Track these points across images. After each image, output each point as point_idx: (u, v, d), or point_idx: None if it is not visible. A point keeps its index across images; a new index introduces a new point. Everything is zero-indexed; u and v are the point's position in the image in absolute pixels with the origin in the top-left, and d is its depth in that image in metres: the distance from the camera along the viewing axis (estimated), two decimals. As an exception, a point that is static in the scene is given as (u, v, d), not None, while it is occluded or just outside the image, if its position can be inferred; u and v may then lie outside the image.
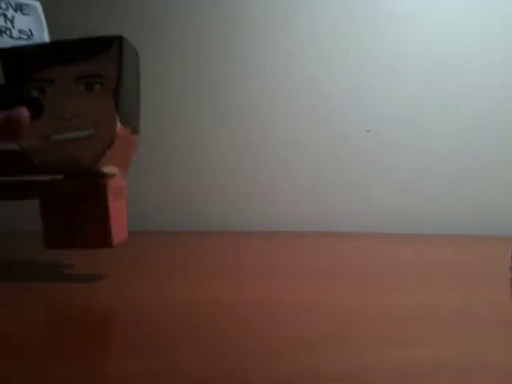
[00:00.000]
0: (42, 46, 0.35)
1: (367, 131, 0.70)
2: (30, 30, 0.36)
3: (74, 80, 0.34)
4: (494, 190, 0.70)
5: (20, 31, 0.36)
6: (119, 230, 0.36)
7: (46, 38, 0.37)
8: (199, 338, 0.26)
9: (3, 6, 0.36)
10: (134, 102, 0.37)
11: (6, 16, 0.35)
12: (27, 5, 0.37)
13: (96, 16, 0.71)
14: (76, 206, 0.35)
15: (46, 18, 0.37)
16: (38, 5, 0.38)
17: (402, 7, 0.71)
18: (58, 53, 0.34)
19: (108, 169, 0.36)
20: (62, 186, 0.35)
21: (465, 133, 0.70)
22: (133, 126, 0.37)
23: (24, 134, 0.33)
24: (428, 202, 0.70)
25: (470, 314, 0.30)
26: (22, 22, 0.36)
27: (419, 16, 0.70)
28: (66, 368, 0.21)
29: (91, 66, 0.34)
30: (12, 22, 0.36)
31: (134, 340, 0.25)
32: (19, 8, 0.36)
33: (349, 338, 0.26)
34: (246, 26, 0.71)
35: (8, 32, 0.35)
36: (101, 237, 0.35)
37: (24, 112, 0.33)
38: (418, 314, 0.30)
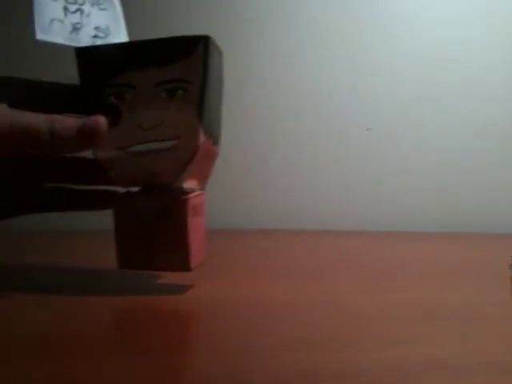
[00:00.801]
0: (121, 47, 0.32)
1: (368, 129, 0.70)
2: (107, 27, 0.33)
3: (154, 85, 0.31)
4: (493, 188, 0.70)
5: (96, 28, 0.33)
6: (197, 251, 0.33)
7: (124, 36, 0.34)
8: (202, 339, 0.25)
9: (80, 0, 0.33)
10: (217, 109, 0.34)
11: (82, 11, 0.32)
12: None
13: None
14: (152, 224, 0.32)
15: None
16: None
17: (403, 7, 0.70)
18: (138, 55, 0.31)
19: (187, 183, 0.33)
20: (138, 200, 0.33)
21: (465, 132, 0.70)
22: (214, 136, 0.34)
23: (100, 144, 0.30)
24: (427, 200, 0.70)
25: (470, 312, 0.30)
26: (98, 17, 0.33)
27: (420, 16, 0.70)
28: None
29: (174, 70, 0.31)
30: (88, 17, 0.33)
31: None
32: (96, 2, 0.33)
33: (348, 337, 0.26)
34: (245, 26, 0.71)
35: (84, 29, 0.32)
36: (178, 259, 0.32)
37: (102, 120, 0.30)
38: (417, 313, 0.30)
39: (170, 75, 0.31)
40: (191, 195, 0.33)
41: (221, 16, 0.70)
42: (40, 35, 0.31)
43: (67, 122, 0.29)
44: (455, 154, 0.70)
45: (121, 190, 0.34)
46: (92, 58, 0.32)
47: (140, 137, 0.32)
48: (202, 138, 0.31)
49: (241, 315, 0.29)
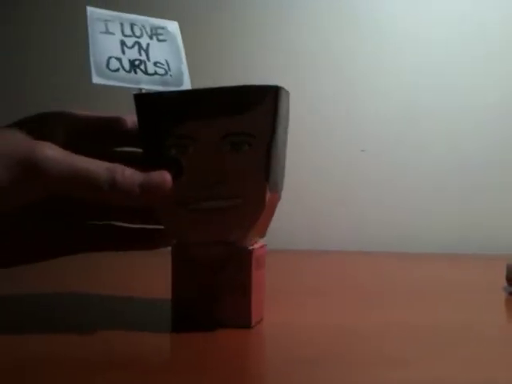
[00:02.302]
0: (185, 95, 0.29)
1: (362, 151, 0.69)
2: (167, 62, 0.29)
3: (219, 138, 0.28)
4: (487, 209, 0.69)
5: (155, 64, 0.29)
6: (258, 306, 0.31)
7: (185, 72, 0.31)
8: None
9: (137, 32, 0.29)
10: (283, 158, 0.31)
11: (140, 45, 0.29)
12: (164, 28, 0.30)
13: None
14: (213, 275, 0.30)
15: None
16: (176, 27, 0.31)
17: (398, 26, 0.68)
18: (203, 104, 0.28)
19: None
20: (199, 250, 0.30)
21: (461, 152, 0.69)
22: (279, 187, 0.31)
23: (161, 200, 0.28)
24: (421, 219, 0.69)
25: (466, 333, 0.30)
26: (157, 51, 0.29)
27: (415, 35, 0.68)
28: None
29: (240, 123, 0.28)
30: (147, 52, 0.29)
31: None
32: (155, 33, 0.29)
33: (343, 357, 0.25)
34: (244, 28, 0.68)
35: (143, 66, 0.28)
36: (239, 314, 0.30)
37: (167, 177, 0.27)
38: (413, 334, 0.30)
39: (236, 127, 0.28)
40: (255, 246, 0.31)
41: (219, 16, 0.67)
42: (96, 79, 0.27)
43: (129, 175, 0.27)
44: (450, 173, 0.69)
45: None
46: (153, 105, 0.29)
47: (202, 193, 0.29)
48: (268, 196, 0.29)
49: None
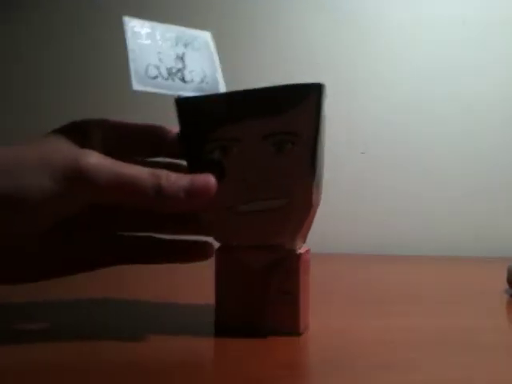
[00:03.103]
0: (225, 97, 0.29)
1: (362, 153, 0.69)
2: (203, 70, 0.30)
3: (261, 138, 0.28)
4: (487, 212, 0.69)
5: (191, 72, 0.29)
6: (305, 312, 0.30)
7: (220, 78, 0.31)
8: None
9: (173, 41, 0.29)
10: (323, 159, 0.30)
11: (176, 54, 0.29)
12: (197, 37, 0.30)
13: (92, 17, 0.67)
14: (259, 281, 0.29)
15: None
16: (209, 36, 0.31)
17: (399, 27, 0.69)
18: (244, 105, 0.28)
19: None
20: (246, 255, 0.29)
21: (461, 154, 0.69)
22: (321, 188, 0.31)
23: (206, 206, 0.28)
24: (420, 224, 0.69)
25: (466, 337, 0.30)
26: (193, 60, 0.29)
27: (417, 36, 0.69)
28: None
29: (282, 122, 0.28)
30: (183, 60, 0.29)
31: None
32: (190, 42, 0.30)
33: (341, 362, 0.25)
34: (244, 28, 0.69)
35: (179, 74, 0.28)
36: (287, 321, 0.29)
37: (212, 181, 0.27)
38: (411, 338, 0.29)
39: (278, 127, 0.28)
40: (302, 250, 0.30)
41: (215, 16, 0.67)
42: (136, 86, 0.27)
43: (174, 180, 0.27)
44: (449, 177, 0.69)
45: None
46: (195, 108, 0.28)
47: (246, 195, 0.29)
48: (314, 195, 0.29)
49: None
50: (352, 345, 0.28)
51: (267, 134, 0.28)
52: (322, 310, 0.35)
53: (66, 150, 0.26)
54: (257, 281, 0.29)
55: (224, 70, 0.31)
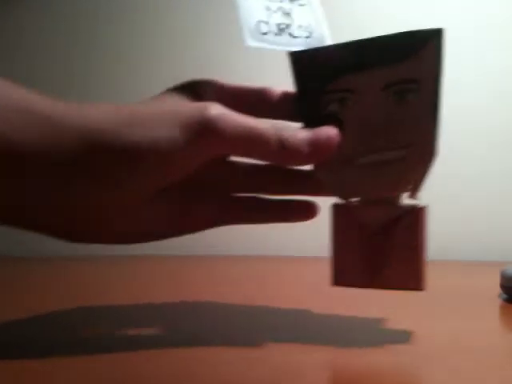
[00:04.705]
0: (342, 48, 0.28)
1: None
2: (310, 25, 0.29)
3: (381, 88, 0.27)
4: (480, 215, 0.68)
5: (299, 27, 0.29)
6: (425, 269, 0.29)
7: (326, 32, 0.30)
8: None
9: None
10: (441, 111, 0.29)
11: (283, 9, 0.29)
12: None
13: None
14: (379, 237, 0.28)
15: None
16: None
17: (400, 25, 0.67)
18: (362, 55, 0.27)
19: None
20: (364, 211, 0.29)
21: (461, 155, 0.69)
22: (439, 142, 0.29)
23: (327, 159, 0.27)
24: None
25: (459, 342, 0.29)
26: (299, 15, 0.29)
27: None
28: None
29: (403, 70, 0.27)
30: (290, 16, 0.29)
31: None
32: None
33: (335, 365, 0.25)
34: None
35: (288, 29, 0.28)
36: (409, 277, 0.28)
37: (334, 133, 0.26)
38: (406, 341, 0.29)
39: (398, 76, 0.27)
40: (422, 205, 0.29)
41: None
42: (250, 41, 0.27)
43: (296, 133, 0.26)
44: (440, 180, 0.67)
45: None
46: (311, 61, 0.28)
47: (365, 146, 0.28)
48: (436, 144, 0.28)
49: None
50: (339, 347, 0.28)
51: (388, 84, 0.27)
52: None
53: (190, 103, 0.26)
54: (375, 236, 0.28)
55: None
